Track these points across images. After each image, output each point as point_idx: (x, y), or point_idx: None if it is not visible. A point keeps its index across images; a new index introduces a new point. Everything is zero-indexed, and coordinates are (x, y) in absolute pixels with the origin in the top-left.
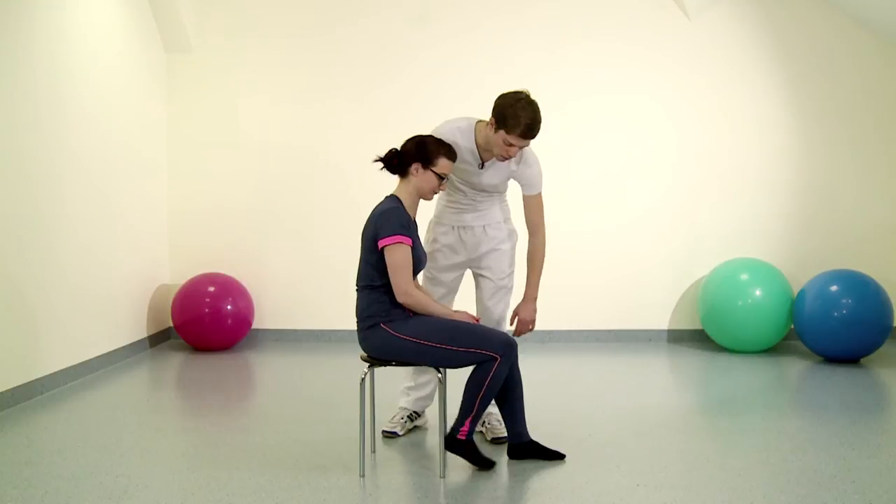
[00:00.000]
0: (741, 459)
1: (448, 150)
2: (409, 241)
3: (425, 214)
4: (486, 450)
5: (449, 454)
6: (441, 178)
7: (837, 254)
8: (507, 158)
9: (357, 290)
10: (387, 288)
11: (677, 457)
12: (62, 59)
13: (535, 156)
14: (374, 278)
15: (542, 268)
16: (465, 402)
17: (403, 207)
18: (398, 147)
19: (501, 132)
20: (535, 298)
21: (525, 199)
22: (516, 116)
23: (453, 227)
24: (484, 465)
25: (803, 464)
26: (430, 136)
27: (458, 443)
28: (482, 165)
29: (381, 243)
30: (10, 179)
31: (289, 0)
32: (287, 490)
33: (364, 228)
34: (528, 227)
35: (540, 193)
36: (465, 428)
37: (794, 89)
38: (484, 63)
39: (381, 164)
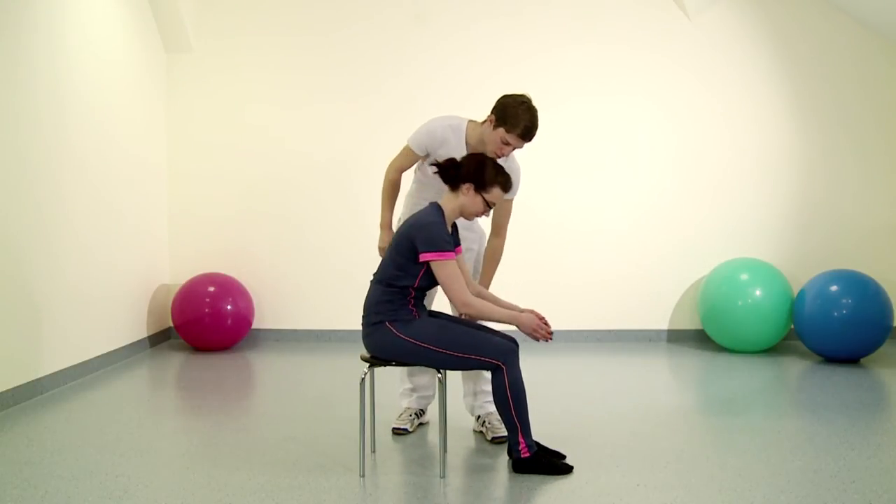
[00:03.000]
0: (741, 459)
1: (505, 181)
2: (453, 255)
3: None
4: (489, 450)
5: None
6: (489, 205)
7: (837, 254)
8: (499, 157)
9: (373, 282)
10: (403, 290)
11: (677, 457)
12: (62, 60)
13: (518, 164)
14: (395, 278)
15: (495, 268)
16: (506, 422)
17: (444, 220)
18: (458, 159)
19: (501, 130)
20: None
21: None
22: (517, 117)
23: None
24: (563, 470)
25: (803, 464)
26: (492, 161)
27: (526, 461)
28: None
29: (426, 257)
30: (10, 179)
31: (289, 0)
32: (287, 490)
33: (399, 228)
34: (493, 228)
35: (513, 200)
36: (523, 445)
37: (794, 89)
38: (484, 64)
39: (435, 169)
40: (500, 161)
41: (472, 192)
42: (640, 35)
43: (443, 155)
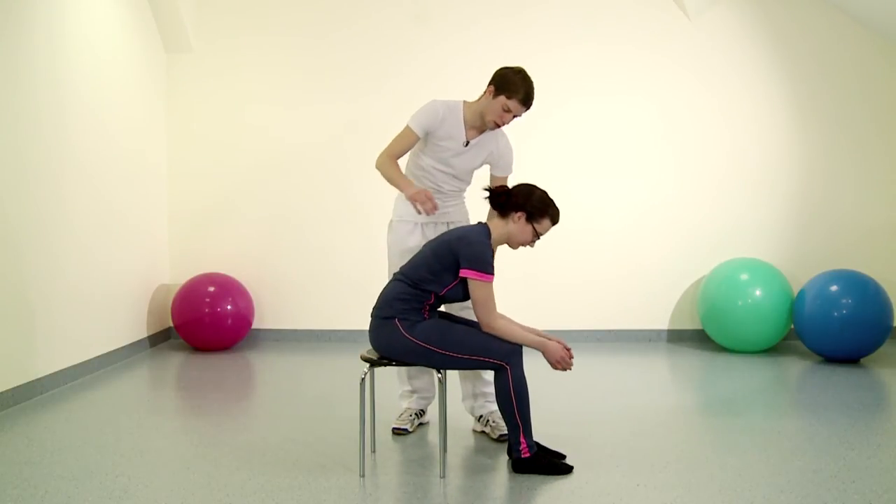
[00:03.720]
0: (741, 459)
1: (555, 214)
2: (493, 278)
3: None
4: (489, 450)
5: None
6: (538, 236)
7: (837, 254)
8: (500, 125)
9: (397, 277)
10: (425, 294)
11: (677, 457)
12: (62, 60)
13: (509, 141)
14: (424, 281)
15: None
16: (508, 422)
17: (491, 244)
18: (510, 186)
19: (501, 97)
20: None
21: (497, 180)
22: (517, 84)
23: (416, 224)
24: (563, 470)
25: (803, 464)
26: (543, 192)
27: (526, 461)
28: (467, 144)
29: (467, 273)
30: (10, 179)
31: (289, 0)
32: (287, 490)
33: (443, 235)
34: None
35: (507, 177)
36: (524, 445)
37: (793, 89)
38: (484, 63)
39: (486, 194)
40: (495, 130)
41: (523, 220)
42: (640, 35)
43: (442, 135)
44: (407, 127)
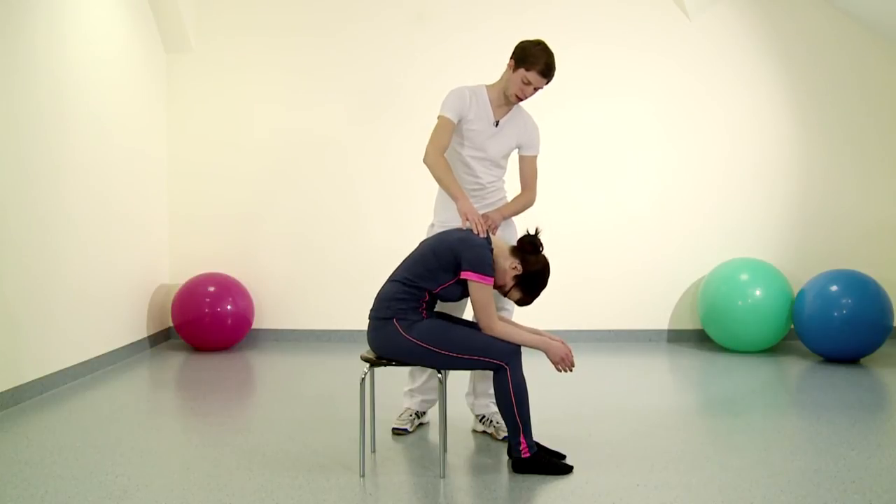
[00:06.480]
0: (741, 459)
1: (528, 300)
2: (492, 281)
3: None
4: (489, 450)
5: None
6: (504, 292)
7: (837, 254)
8: (521, 99)
9: (393, 279)
10: (420, 291)
11: (677, 457)
12: (62, 60)
13: (535, 122)
14: (420, 278)
15: (521, 209)
16: (508, 422)
17: (492, 248)
18: (540, 245)
19: (521, 70)
20: (503, 217)
21: (526, 160)
22: (537, 56)
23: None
24: (563, 470)
25: (803, 464)
26: (547, 282)
27: (526, 461)
28: (497, 124)
29: (469, 276)
30: (10, 179)
31: (290, 0)
32: (287, 490)
33: (443, 234)
34: (523, 184)
35: (536, 158)
36: (524, 445)
37: (793, 89)
38: (484, 63)
39: (527, 238)
40: (519, 109)
41: (514, 272)
42: (640, 35)
43: (472, 118)
44: (440, 117)
